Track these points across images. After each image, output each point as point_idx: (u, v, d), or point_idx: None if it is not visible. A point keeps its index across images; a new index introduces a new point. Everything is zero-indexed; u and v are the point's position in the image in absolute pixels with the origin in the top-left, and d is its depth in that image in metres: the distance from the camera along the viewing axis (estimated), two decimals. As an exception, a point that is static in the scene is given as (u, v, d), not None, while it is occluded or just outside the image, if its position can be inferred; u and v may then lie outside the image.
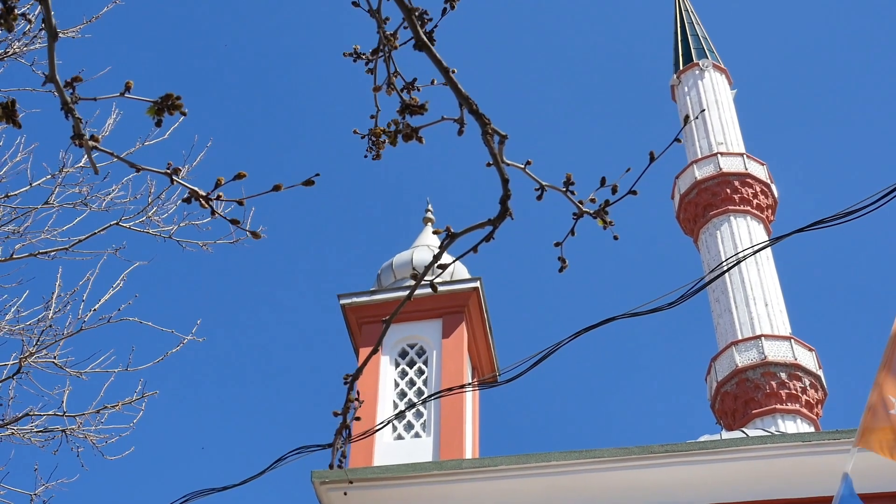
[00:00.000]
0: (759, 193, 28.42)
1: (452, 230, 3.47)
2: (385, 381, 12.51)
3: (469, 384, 12.24)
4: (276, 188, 3.06)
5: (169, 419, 45.85)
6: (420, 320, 12.99)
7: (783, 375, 24.06)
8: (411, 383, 12.57)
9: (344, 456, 4.29)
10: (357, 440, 8.37)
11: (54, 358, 8.67)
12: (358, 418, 4.16)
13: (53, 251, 8.73)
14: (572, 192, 3.42)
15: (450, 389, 8.30)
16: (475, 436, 12.89)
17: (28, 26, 7.97)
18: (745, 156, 29.23)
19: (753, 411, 23.81)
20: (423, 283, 3.57)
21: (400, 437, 11.95)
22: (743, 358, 24.59)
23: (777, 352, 24.52)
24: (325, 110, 58.08)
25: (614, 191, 3.40)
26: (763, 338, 24.69)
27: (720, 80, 32.18)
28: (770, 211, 28.58)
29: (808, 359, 24.68)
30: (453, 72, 3.19)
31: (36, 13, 7.61)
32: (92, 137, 2.98)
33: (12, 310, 8.77)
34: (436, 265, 3.65)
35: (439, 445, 11.66)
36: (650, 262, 57.41)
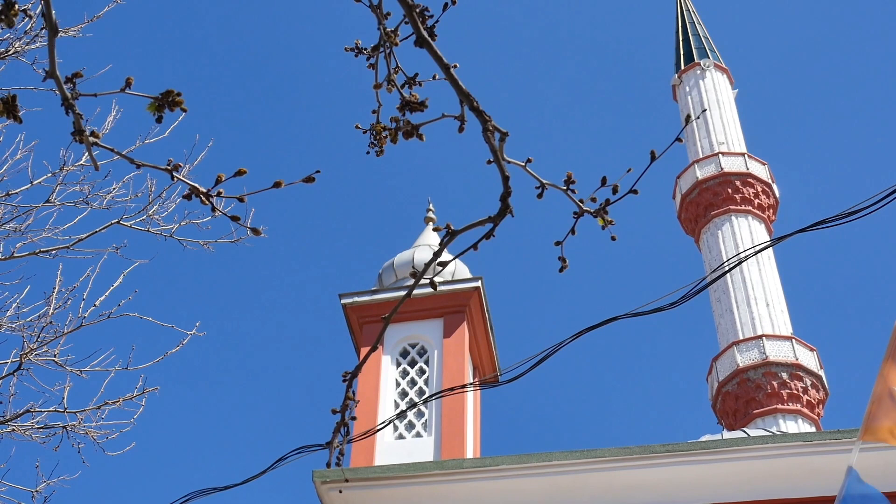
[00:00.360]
0: (761, 193, 28.40)
1: (453, 228, 3.47)
2: (386, 380, 12.51)
3: (470, 384, 12.23)
4: (277, 185, 3.06)
5: (170, 416, 45.89)
6: (421, 320, 12.99)
7: (784, 375, 24.05)
8: (412, 383, 12.57)
9: (342, 454, 4.28)
10: (358, 440, 8.37)
11: (55, 355, 8.68)
12: (354, 417, 4.15)
13: (54, 249, 8.73)
14: (573, 191, 3.41)
15: (451, 389, 8.30)
16: (476, 435, 12.89)
17: (29, 24, 7.96)
18: (746, 155, 29.22)
19: (755, 411, 23.80)
20: (423, 281, 3.57)
21: (401, 437, 11.95)
22: (744, 358, 24.58)
23: (778, 352, 24.51)
24: (327, 110, 58.09)
25: (615, 190, 3.39)
26: (764, 338, 24.69)
27: (721, 79, 32.17)
28: (771, 211, 28.57)
29: (809, 359, 24.67)
30: (454, 66, 3.18)
31: (37, 11, 7.62)
32: (92, 133, 2.98)
33: (13, 307, 8.78)
34: (436, 263, 3.65)
35: (440, 445, 11.66)
36: (651, 262, 57.43)
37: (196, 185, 3.03)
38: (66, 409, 8.67)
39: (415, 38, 3.19)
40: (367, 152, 3.40)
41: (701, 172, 29.02)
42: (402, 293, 13.27)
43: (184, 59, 56.72)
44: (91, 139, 3.00)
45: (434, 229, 3.50)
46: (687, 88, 32.17)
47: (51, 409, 8.68)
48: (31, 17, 7.63)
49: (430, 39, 3.15)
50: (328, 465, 4.19)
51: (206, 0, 58.06)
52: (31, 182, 8.65)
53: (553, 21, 62.84)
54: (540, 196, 3.38)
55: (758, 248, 5.59)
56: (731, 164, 28.86)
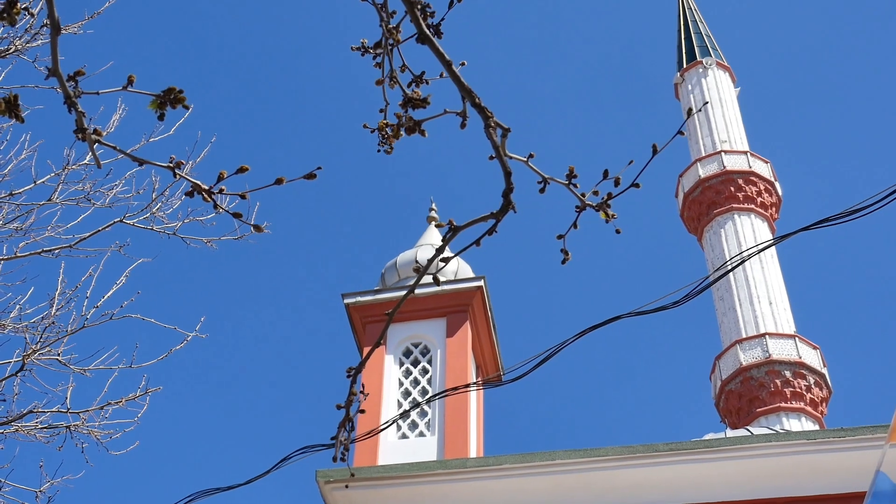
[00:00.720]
0: (763, 191, 28.38)
1: (455, 224, 3.46)
2: (389, 380, 12.50)
3: (473, 383, 12.22)
4: (279, 181, 3.06)
5: (173, 416, 45.90)
6: (424, 319, 12.98)
7: (788, 374, 24.03)
8: (415, 382, 12.57)
9: (347, 449, 4.28)
10: (361, 439, 8.37)
11: (58, 355, 8.68)
12: (362, 411, 4.15)
13: (57, 249, 8.72)
14: (575, 185, 3.41)
15: (454, 389, 8.28)
16: (479, 435, 12.88)
17: (31, 22, 7.96)
18: (748, 154, 29.20)
19: (758, 409, 23.79)
20: (426, 278, 3.56)
21: (404, 437, 11.95)
22: (747, 356, 24.57)
23: (781, 350, 24.49)
24: (329, 108, 58.10)
25: (617, 183, 3.39)
26: (767, 336, 24.67)
27: (724, 77, 32.16)
28: (774, 209, 28.55)
29: (812, 357, 24.65)
30: (462, 64, 3.18)
31: (38, 9, 7.62)
32: (95, 131, 2.98)
33: (16, 307, 8.77)
34: (439, 258, 3.65)
35: (444, 444, 11.65)
36: (654, 261, 57.39)
37: (198, 182, 3.02)
38: (69, 409, 8.67)
39: (417, 34, 3.19)
40: (378, 151, 3.40)
41: (703, 171, 29.01)
42: (405, 292, 13.26)
43: (186, 57, 56.76)
44: (94, 137, 3.00)
45: (437, 225, 3.52)
46: (689, 87, 32.16)
47: (54, 409, 8.68)
48: (32, 15, 7.63)
49: (431, 36, 3.15)
50: (334, 458, 4.19)
51: None
52: (35, 181, 8.65)
53: (555, 18, 62.85)
54: (542, 191, 3.38)
55: (761, 247, 5.58)
56: (733, 163, 28.84)
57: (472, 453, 11.99)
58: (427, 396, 12.05)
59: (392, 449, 11.67)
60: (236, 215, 3.05)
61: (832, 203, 57.86)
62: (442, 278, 13.03)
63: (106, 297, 8.89)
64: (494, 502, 9.84)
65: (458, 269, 13.77)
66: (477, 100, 3.19)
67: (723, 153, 29.13)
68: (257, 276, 54.59)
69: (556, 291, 59.32)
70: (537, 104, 60.99)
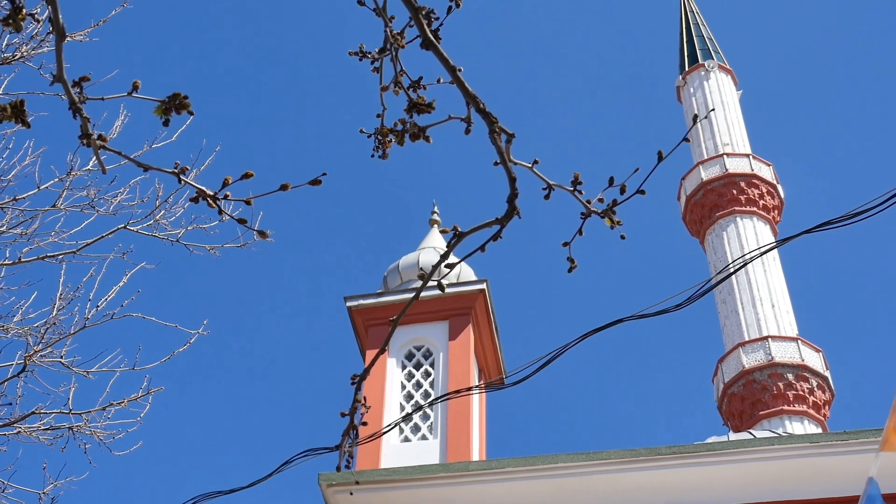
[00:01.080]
0: (766, 194, 28.36)
1: (460, 229, 3.47)
2: (392, 383, 12.50)
3: (476, 386, 12.22)
4: (284, 188, 3.06)
5: (176, 417, 45.92)
6: (427, 322, 12.99)
7: (790, 377, 24.00)
8: (418, 385, 12.56)
9: (351, 457, 4.28)
10: (364, 443, 8.36)
11: (60, 356, 8.69)
12: (364, 423, 4.15)
13: (61, 254, 8.73)
14: (580, 192, 3.41)
15: (457, 392, 8.28)
16: (482, 438, 12.88)
17: (36, 29, 7.98)
18: (751, 156, 29.19)
19: (761, 412, 23.76)
20: (430, 283, 3.57)
21: (407, 440, 11.95)
22: (750, 359, 24.54)
23: (784, 353, 24.46)
24: (333, 113, 58.14)
25: (622, 190, 3.39)
26: (770, 339, 24.64)
27: (726, 80, 32.15)
28: (776, 212, 28.53)
29: (815, 360, 24.62)
30: (460, 70, 3.18)
31: (45, 16, 7.64)
32: (99, 137, 2.99)
33: (20, 312, 8.78)
34: (443, 265, 3.65)
35: (446, 447, 11.65)
36: (657, 264, 57.37)
37: (203, 188, 3.03)
38: (71, 410, 8.67)
39: (420, 40, 3.19)
40: (372, 156, 3.40)
41: (706, 173, 28.99)
42: (408, 295, 13.32)
43: (191, 63, 56.81)
44: (98, 143, 3.01)
45: (441, 231, 3.51)
46: (691, 89, 32.15)
47: (57, 410, 8.69)
48: (38, 22, 7.65)
49: (436, 42, 3.15)
50: (337, 468, 4.19)
51: (213, 4, 58.15)
52: (39, 187, 8.66)
53: (558, 23, 62.87)
54: (547, 197, 3.38)
55: (763, 250, 5.59)
56: (735, 165, 28.82)
57: (475, 456, 11.99)
58: (429, 399, 12.05)
59: (394, 452, 11.67)
60: (241, 221, 3.05)
61: (835, 206, 57.82)
62: (444, 282, 13.02)
63: (107, 298, 8.90)
64: (497, 506, 9.84)
65: (460, 272, 13.77)
66: (481, 105, 3.19)
67: (725, 156, 29.11)
68: (260, 280, 54.63)
69: (559, 294, 59.35)
70: (540, 108, 61.02)
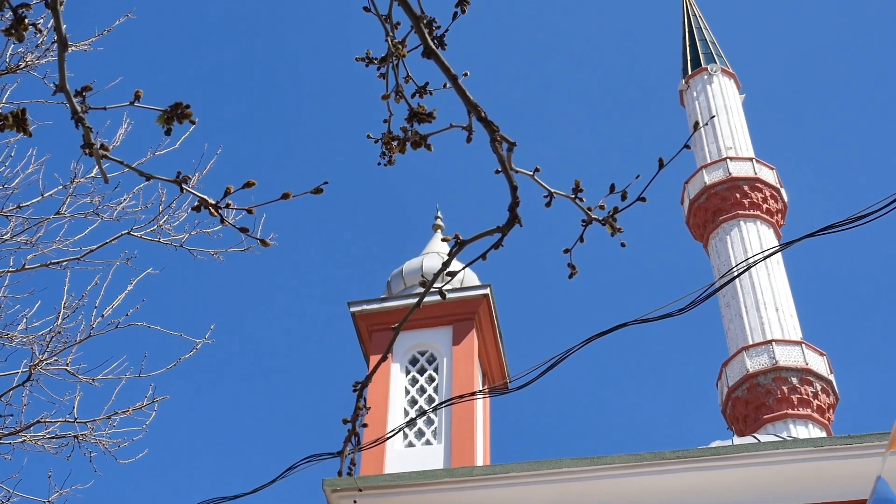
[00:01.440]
0: (769, 198, 28.35)
1: (461, 237, 3.47)
2: (395, 388, 12.51)
3: (480, 391, 12.22)
4: (285, 196, 3.07)
5: (181, 424, 45.95)
6: (430, 327, 12.99)
7: (794, 380, 23.97)
8: (422, 391, 12.57)
9: (353, 463, 4.29)
10: (368, 448, 8.36)
11: (66, 365, 8.70)
12: (365, 425, 4.15)
13: (65, 261, 8.75)
14: (581, 199, 3.42)
15: (461, 397, 8.28)
16: (486, 443, 12.88)
17: (40, 39, 8.00)
18: (754, 160, 29.18)
19: (765, 416, 23.73)
20: (432, 290, 3.58)
21: (411, 445, 11.95)
22: (754, 363, 24.52)
23: (788, 356, 24.44)
24: (335, 119, 58.19)
25: (624, 197, 3.39)
26: (774, 343, 24.62)
27: (729, 84, 32.15)
28: (780, 215, 28.52)
29: (819, 363, 24.59)
30: (465, 75, 3.19)
31: (49, 26, 7.66)
32: (102, 146, 2.99)
33: (24, 321, 8.79)
34: (445, 272, 3.65)
35: (450, 452, 11.65)
36: (660, 268, 57.35)
37: (205, 196, 3.03)
38: (76, 418, 8.68)
39: (422, 49, 3.20)
40: (379, 163, 3.40)
41: (709, 177, 28.99)
42: (411, 301, 13.32)
43: (193, 71, 56.92)
44: (101, 152, 3.02)
45: (443, 239, 3.52)
46: (694, 93, 32.15)
47: (62, 419, 8.69)
48: (41, 32, 7.67)
49: (437, 51, 3.16)
50: (339, 473, 4.19)
51: (216, 12, 58.28)
52: (42, 195, 8.69)
53: (560, 29, 62.92)
54: (548, 205, 3.39)
55: (767, 253, 5.59)
56: (739, 169, 28.82)
57: (479, 461, 11.99)
58: (433, 404, 12.05)
59: (399, 457, 11.68)
60: (243, 230, 3.05)
61: (838, 209, 57.75)
62: (447, 287, 13.03)
63: (113, 305, 8.92)
64: (501, 511, 9.83)
65: (464, 277, 13.78)
66: (483, 114, 3.20)
67: (728, 160, 29.11)
68: (264, 285, 54.66)
69: (562, 299, 59.29)
70: (542, 115, 61.04)
